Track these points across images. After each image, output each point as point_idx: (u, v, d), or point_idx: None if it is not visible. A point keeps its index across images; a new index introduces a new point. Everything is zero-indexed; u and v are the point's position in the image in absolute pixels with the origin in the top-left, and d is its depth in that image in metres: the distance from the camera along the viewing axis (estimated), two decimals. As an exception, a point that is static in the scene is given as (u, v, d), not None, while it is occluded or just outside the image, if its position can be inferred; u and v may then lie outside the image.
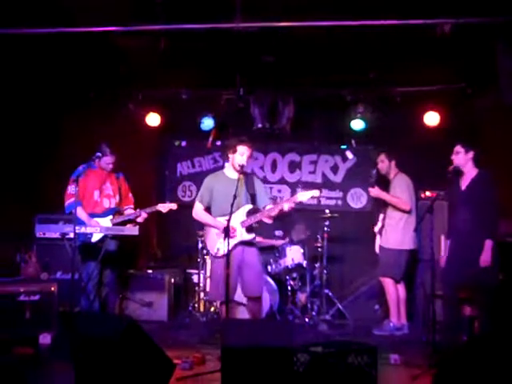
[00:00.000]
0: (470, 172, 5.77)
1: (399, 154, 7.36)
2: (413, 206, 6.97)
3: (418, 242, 6.97)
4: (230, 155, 5.77)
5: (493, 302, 5.53)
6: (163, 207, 6.69)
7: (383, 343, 5.88)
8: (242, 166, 5.64)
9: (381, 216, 7.19)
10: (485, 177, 5.72)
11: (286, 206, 5.52)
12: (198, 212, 5.87)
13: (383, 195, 7.02)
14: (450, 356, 1.80)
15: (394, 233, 6.97)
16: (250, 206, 5.72)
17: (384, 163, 7.16)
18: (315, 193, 5.55)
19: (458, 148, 5.77)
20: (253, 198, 5.74)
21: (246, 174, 5.84)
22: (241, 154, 5.67)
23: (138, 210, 6.67)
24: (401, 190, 6.96)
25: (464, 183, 5.77)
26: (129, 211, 6.80)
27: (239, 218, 5.67)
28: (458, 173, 5.79)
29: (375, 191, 7.03)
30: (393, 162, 7.15)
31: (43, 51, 6.52)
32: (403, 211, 6.92)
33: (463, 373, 1.68)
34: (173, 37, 6.13)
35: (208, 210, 5.88)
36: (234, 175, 5.72)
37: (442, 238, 6.26)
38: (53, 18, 5.78)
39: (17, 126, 7.25)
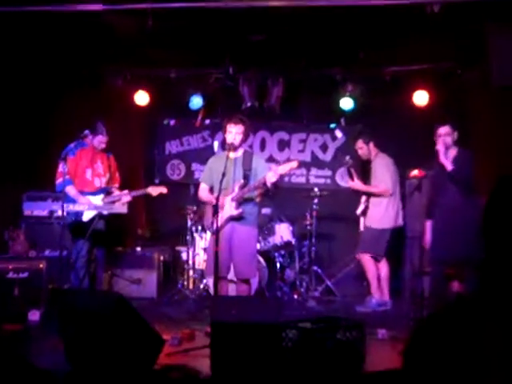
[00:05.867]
0: (451, 151, 5.71)
1: (387, 133, 7.35)
2: (395, 187, 6.91)
3: (405, 219, 6.97)
4: (224, 135, 5.78)
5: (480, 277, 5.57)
6: (154, 190, 6.66)
7: (371, 319, 5.92)
8: (231, 144, 5.64)
9: (363, 198, 7.12)
10: (466, 155, 5.69)
11: (269, 176, 5.34)
12: (201, 191, 5.98)
13: (362, 188, 6.98)
14: (422, 324, 1.82)
15: (377, 212, 6.94)
16: (241, 182, 5.63)
17: (363, 149, 7.08)
18: (293, 164, 5.42)
19: (448, 129, 5.70)
20: (247, 175, 5.67)
21: (244, 152, 5.82)
22: (229, 133, 5.67)
23: (126, 191, 6.62)
24: (381, 171, 6.89)
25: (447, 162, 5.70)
26: (115, 191, 6.76)
27: (232, 193, 5.66)
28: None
29: (355, 185, 6.98)
30: (371, 144, 7.04)
31: (32, 30, 6.44)
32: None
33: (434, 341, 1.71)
34: (161, 15, 6.07)
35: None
36: (233, 154, 5.70)
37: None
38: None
39: (5, 105, 7.19)
